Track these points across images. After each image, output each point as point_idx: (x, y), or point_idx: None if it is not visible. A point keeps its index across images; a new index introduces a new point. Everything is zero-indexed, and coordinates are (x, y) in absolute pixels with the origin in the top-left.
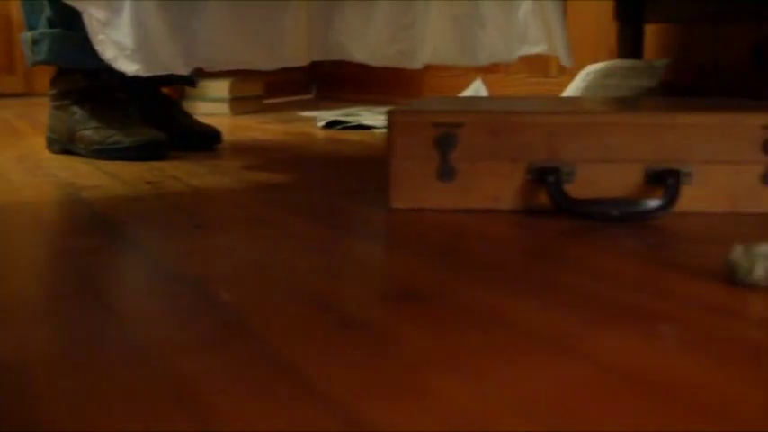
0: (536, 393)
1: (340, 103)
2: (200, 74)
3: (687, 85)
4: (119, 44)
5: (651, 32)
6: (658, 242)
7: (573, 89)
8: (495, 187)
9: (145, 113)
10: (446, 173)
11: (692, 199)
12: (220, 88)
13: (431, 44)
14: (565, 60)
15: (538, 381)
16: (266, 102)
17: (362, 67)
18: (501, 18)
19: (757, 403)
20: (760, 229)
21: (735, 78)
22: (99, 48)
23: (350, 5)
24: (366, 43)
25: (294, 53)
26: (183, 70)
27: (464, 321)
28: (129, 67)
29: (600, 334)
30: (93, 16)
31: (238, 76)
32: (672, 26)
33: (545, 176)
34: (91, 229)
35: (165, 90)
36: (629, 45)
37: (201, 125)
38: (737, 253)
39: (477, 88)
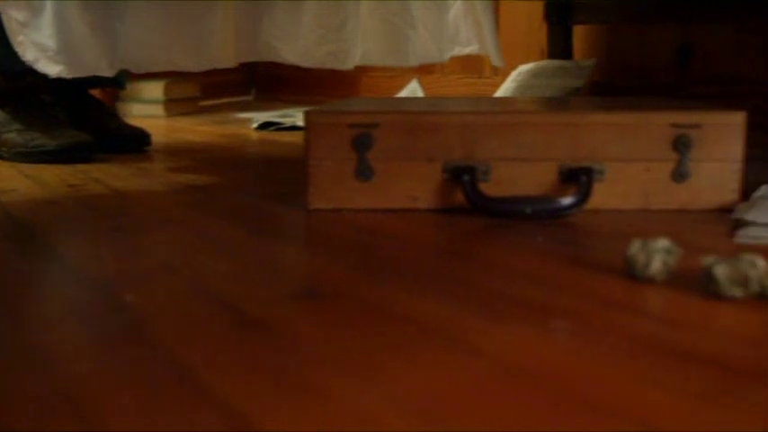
0: (428, 390)
1: (279, 104)
2: (131, 76)
3: (614, 85)
4: (40, 45)
5: (580, 33)
6: (568, 239)
7: (504, 89)
8: (412, 186)
9: (72, 116)
10: (363, 173)
11: (605, 196)
12: (155, 90)
13: (361, 45)
14: (496, 61)
15: (431, 378)
16: (203, 103)
17: (301, 68)
18: (431, 19)
19: (646, 398)
20: (670, 225)
21: (661, 78)
22: (19, 49)
23: (279, 6)
24: (296, 44)
25: (222, 54)
26: (107, 72)
27: (366, 320)
28: (51, 68)
29: (496, 330)
30: (13, 17)
31: (173, 77)
32: (600, 27)
33: (460, 175)
34: (3, 233)
35: (95, 92)
36: (559, 46)
37: (130, 127)
38: (635, 248)
39: (413, 89)
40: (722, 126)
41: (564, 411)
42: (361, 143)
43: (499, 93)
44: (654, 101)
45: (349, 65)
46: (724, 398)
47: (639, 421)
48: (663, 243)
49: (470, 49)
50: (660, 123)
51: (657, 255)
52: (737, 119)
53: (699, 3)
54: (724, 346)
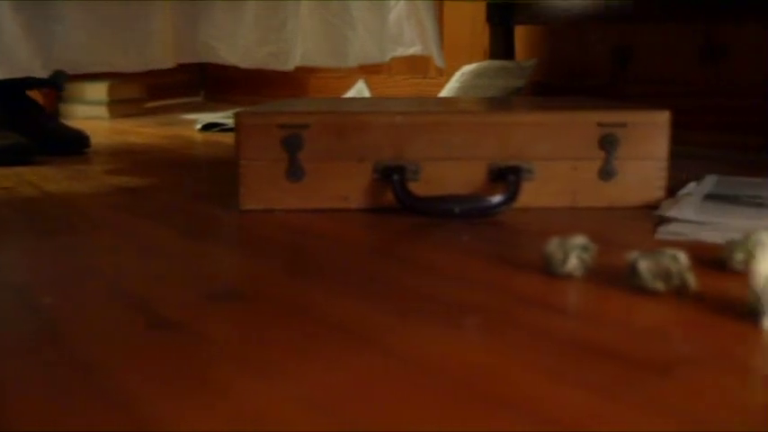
0: (333, 388)
1: (228, 106)
2: (73, 77)
3: (555, 85)
4: None
5: (522, 34)
6: (494, 237)
7: (448, 89)
8: (343, 186)
9: (8, 118)
10: (294, 173)
11: (533, 195)
12: (98, 91)
13: (302, 46)
14: (438, 61)
15: (338, 376)
16: (149, 105)
17: (252, 69)
18: (372, 20)
19: (550, 392)
20: (596, 222)
21: (599, 78)
22: None
23: (218, 7)
24: (236, 45)
25: (160, 55)
26: (40, 72)
27: (282, 320)
28: None
29: (411, 328)
30: None
31: (117, 78)
32: (541, 28)
33: (390, 175)
34: None
35: (36, 95)
36: (501, 46)
37: (68, 129)
38: (552, 246)
39: (359, 89)
40: (647, 125)
41: (466, 407)
42: (292, 144)
43: (443, 93)
44: (582, 101)
45: (289, 65)
46: (626, 391)
47: (541, 415)
48: (579, 240)
49: (413, 49)
50: (587, 123)
51: (574, 252)
52: (662, 118)
53: (635, 5)
54: (632, 339)
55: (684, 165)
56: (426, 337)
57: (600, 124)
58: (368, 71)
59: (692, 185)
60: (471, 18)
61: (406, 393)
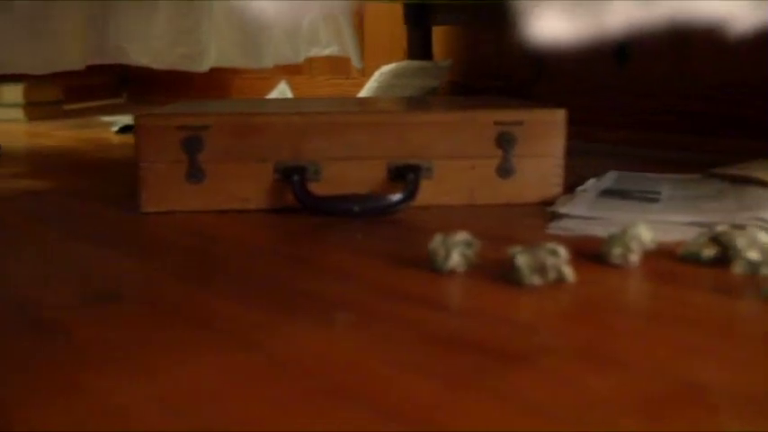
0: (193, 387)
1: (152, 107)
2: None
3: (472, 85)
4: None
5: (441, 34)
6: (389, 235)
7: (367, 89)
8: (244, 187)
9: None
10: (195, 175)
11: (433, 193)
12: (14, 93)
13: (216, 47)
14: (355, 61)
15: (201, 375)
16: (69, 107)
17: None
18: (287, 21)
19: (404, 385)
20: (492, 219)
21: (516, 78)
22: None
23: (129, 8)
24: (148, 46)
25: (69, 56)
26: None
27: (158, 320)
28: None
29: (283, 325)
30: None
31: (33, 80)
32: (458, 28)
33: (290, 175)
34: None
35: None
36: (418, 47)
37: None
38: (435, 243)
39: (282, 90)
40: (544, 123)
41: (317, 402)
42: (191, 145)
43: (362, 93)
44: (481, 99)
45: (204, 67)
46: (479, 381)
47: (386, 407)
48: (462, 236)
49: (330, 50)
50: (484, 121)
51: (456, 248)
52: (558, 116)
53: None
54: (497, 332)
55: (595, 162)
56: (297, 335)
57: (497, 123)
58: (290, 72)
59: (591, 182)
60: (390, 19)
61: (264, 390)
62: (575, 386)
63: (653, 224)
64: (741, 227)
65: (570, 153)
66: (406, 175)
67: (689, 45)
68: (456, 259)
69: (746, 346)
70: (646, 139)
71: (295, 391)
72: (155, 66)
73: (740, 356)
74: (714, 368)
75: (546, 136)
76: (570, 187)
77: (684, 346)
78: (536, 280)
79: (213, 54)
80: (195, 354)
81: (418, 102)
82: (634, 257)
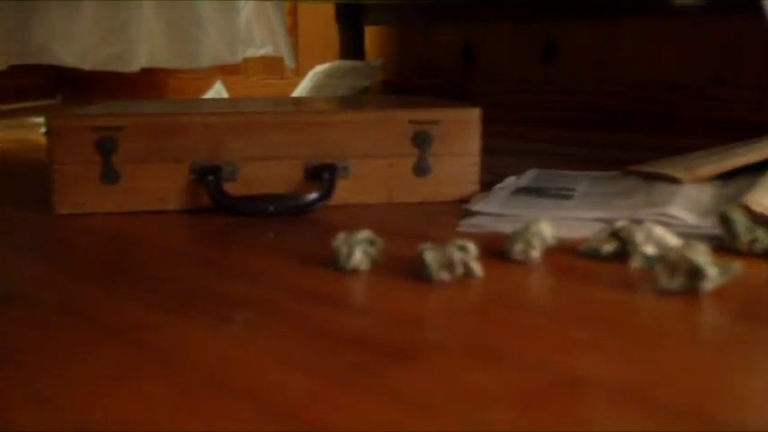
0: (76, 386)
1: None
2: None
3: (405, 84)
4: None
5: (374, 34)
6: (302, 235)
7: (301, 89)
8: (160, 188)
9: None
10: (109, 176)
11: (351, 192)
12: None
13: (147, 47)
14: (289, 61)
15: (86, 373)
16: (0, 108)
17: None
18: (222, 20)
19: (283, 381)
20: (408, 217)
21: (447, 77)
22: None
23: (52, 7)
24: (75, 46)
25: None
26: None
27: (42, 320)
28: None
29: (179, 325)
30: None
31: None
32: (391, 28)
33: (206, 176)
34: None
35: None
36: (350, 46)
37: None
38: (338, 241)
39: (218, 90)
40: (459, 122)
41: (196, 399)
42: (105, 146)
43: (296, 93)
44: (399, 99)
45: (134, 67)
46: (361, 377)
47: (264, 403)
48: (364, 234)
49: (264, 50)
50: (400, 121)
51: (359, 246)
52: (473, 115)
53: (476, 5)
54: (389, 328)
55: (521, 160)
56: (190, 334)
57: (412, 122)
58: (226, 72)
59: (511, 179)
60: (324, 19)
61: (145, 388)
62: (454, 381)
63: (564, 221)
64: (640, 222)
65: (498, 151)
66: (322, 175)
67: (613, 43)
68: (358, 257)
69: (632, 340)
70: (573, 138)
71: (175, 389)
72: (83, 66)
73: (623, 350)
74: (596, 361)
75: (462, 135)
76: (492, 185)
77: (571, 339)
78: (444, 276)
79: (144, 54)
80: (79, 352)
81: (345, 101)
82: (535, 253)
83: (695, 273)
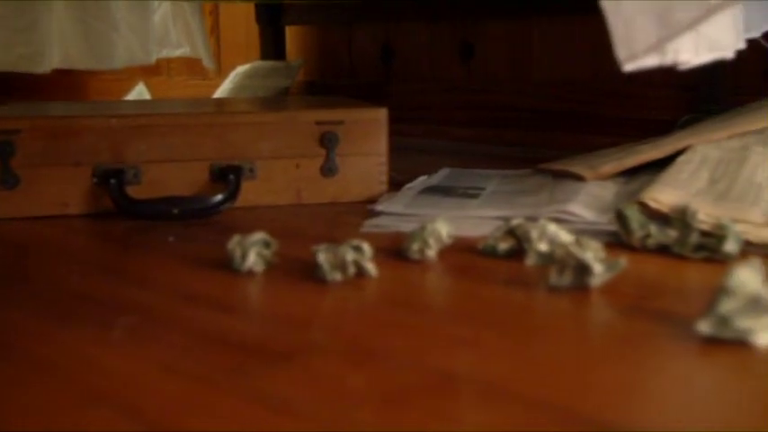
0: None
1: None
2: None
3: (325, 84)
4: None
5: (295, 34)
6: (203, 237)
7: (222, 90)
8: (61, 192)
9: None
10: (7, 181)
11: (258, 193)
12: None
13: (59, 48)
14: (206, 62)
15: None
16: None
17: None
18: (136, 21)
19: (153, 385)
20: (313, 218)
21: (367, 77)
22: None
23: None
24: None
25: None
26: None
27: None
28: None
29: (61, 331)
30: None
31: None
32: (311, 28)
33: (108, 179)
34: None
35: None
36: (271, 47)
37: None
38: (232, 243)
39: (139, 92)
40: (365, 122)
41: (65, 404)
42: (2, 150)
43: (217, 94)
44: (309, 100)
45: (45, 68)
46: (234, 380)
47: (130, 407)
48: (258, 236)
49: (181, 51)
50: (306, 121)
51: (253, 248)
52: (380, 115)
53: (395, 5)
54: (270, 330)
55: (438, 160)
56: (67, 340)
57: (318, 123)
58: (147, 73)
59: (421, 179)
60: (246, 19)
61: (11, 394)
62: (326, 383)
63: (466, 220)
64: (535, 219)
65: (416, 150)
66: (227, 177)
67: (527, 42)
68: (253, 259)
69: (513, 337)
70: (491, 136)
71: (43, 395)
72: None
73: (502, 346)
74: (471, 358)
75: (368, 135)
76: (405, 184)
77: (452, 337)
78: (337, 276)
79: (56, 55)
80: None
81: (261, 102)
82: (431, 252)
83: (582, 269)
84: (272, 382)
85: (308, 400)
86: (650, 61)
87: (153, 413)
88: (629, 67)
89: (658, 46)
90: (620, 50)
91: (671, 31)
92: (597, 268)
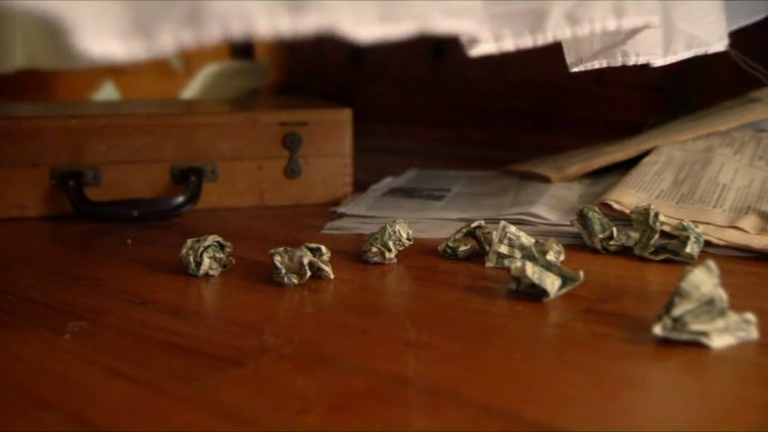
0: None
1: None
2: None
3: (295, 85)
4: None
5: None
6: (161, 240)
7: (191, 90)
8: (18, 194)
9: None
10: None
11: (221, 195)
12: None
13: (24, 48)
14: (174, 62)
15: None
16: None
17: None
18: None
19: (97, 390)
20: (272, 220)
21: (336, 78)
22: None
23: None
24: None
25: None
26: None
27: None
28: None
29: (3, 338)
30: None
31: None
32: None
33: (67, 181)
34: None
35: None
36: (240, 47)
37: None
38: (186, 247)
39: (108, 91)
40: (329, 123)
41: (7, 410)
42: None
43: (186, 94)
44: (271, 100)
45: (6, 67)
46: (179, 385)
47: (73, 413)
48: (212, 239)
49: None
50: (269, 122)
51: (207, 251)
52: (344, 116)
53: None
54: (222, 335)
55: (407, 161)
56: (11, 347)
57: (282, 123)
58: (116, 72)
59: (387, 180)
60: None
61: None
62: (275, 388)
63: (429, 221)
64: (496, 221)
65: (385, 151)
66: (189, 178)
67: None
68: (207, 263)
69: (465, 340)
70: (460, 137)
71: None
72: None
73: (453, 350)
74: (421, 362)
75: (332, 136)
76: (369, 186)
77: (404, 341)
78: (294, 279)
79: (20, 54)
80: None
81: (228, 103)
82: (391, 255)
83: (537, 289)
84: (220, 387)
85: (255, 407)
86: (597, 64)
87: (98, 419)
88: (576, 69)
89: (602, 53)
90: (568, 56)
91: (614, 40)
92: (550, 290)
